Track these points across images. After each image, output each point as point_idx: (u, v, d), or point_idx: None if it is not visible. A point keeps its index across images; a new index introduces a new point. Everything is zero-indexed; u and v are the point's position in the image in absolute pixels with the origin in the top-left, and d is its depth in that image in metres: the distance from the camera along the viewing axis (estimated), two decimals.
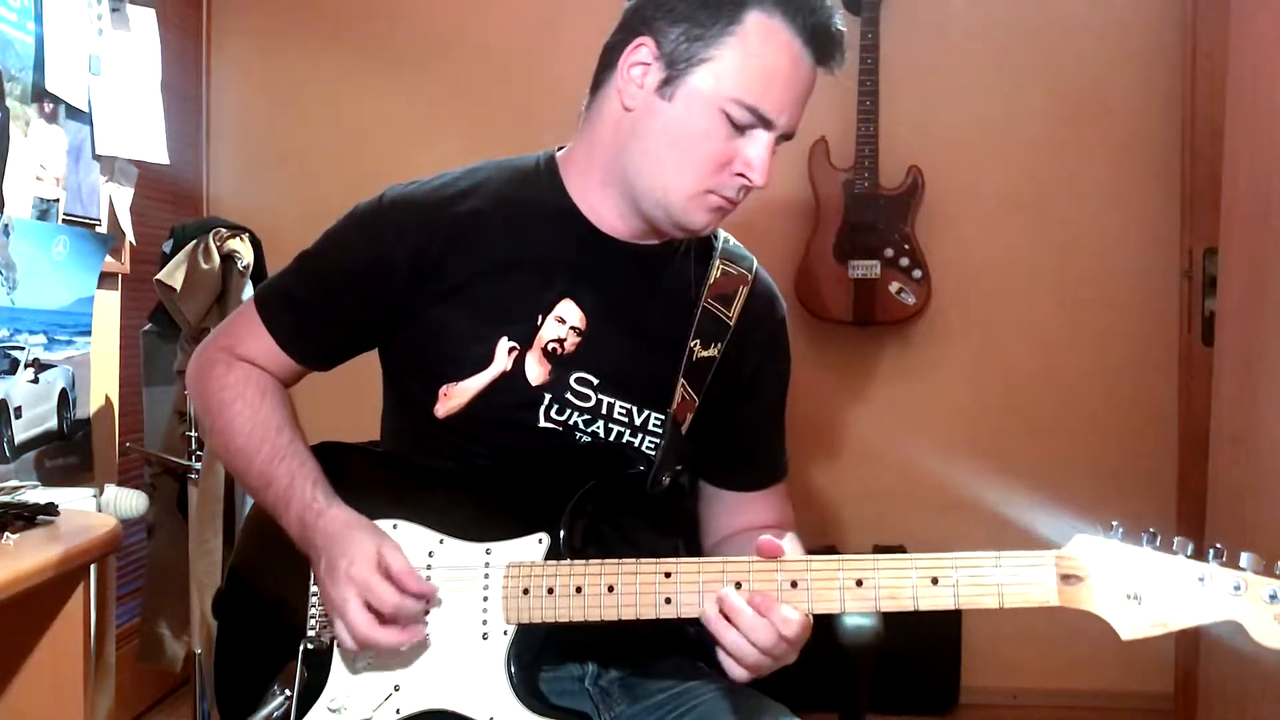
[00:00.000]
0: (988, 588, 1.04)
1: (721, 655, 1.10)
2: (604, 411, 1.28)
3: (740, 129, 1.19)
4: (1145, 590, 0.99)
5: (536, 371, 1.27)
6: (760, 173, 1.20)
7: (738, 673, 1.10)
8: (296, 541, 1.23)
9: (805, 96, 1.21)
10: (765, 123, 1.19)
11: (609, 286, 1.28)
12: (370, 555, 1.16)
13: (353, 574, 1.15)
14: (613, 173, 1.26)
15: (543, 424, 1.28)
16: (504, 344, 1.27)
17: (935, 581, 1.05)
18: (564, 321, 1.28)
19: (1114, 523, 1.02)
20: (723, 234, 1.38)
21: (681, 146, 1.20)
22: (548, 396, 1.27)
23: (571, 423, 1.28)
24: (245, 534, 1.44)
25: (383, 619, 1.15)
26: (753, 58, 1.17)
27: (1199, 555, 0.99)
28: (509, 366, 1.27)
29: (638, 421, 1.29)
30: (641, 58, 1.21)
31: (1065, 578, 1.01)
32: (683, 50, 1.19)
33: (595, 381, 1.28)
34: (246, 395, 1.30)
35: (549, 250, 1.28)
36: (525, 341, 1.27)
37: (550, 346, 1.27)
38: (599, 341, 1.28)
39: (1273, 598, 0.95)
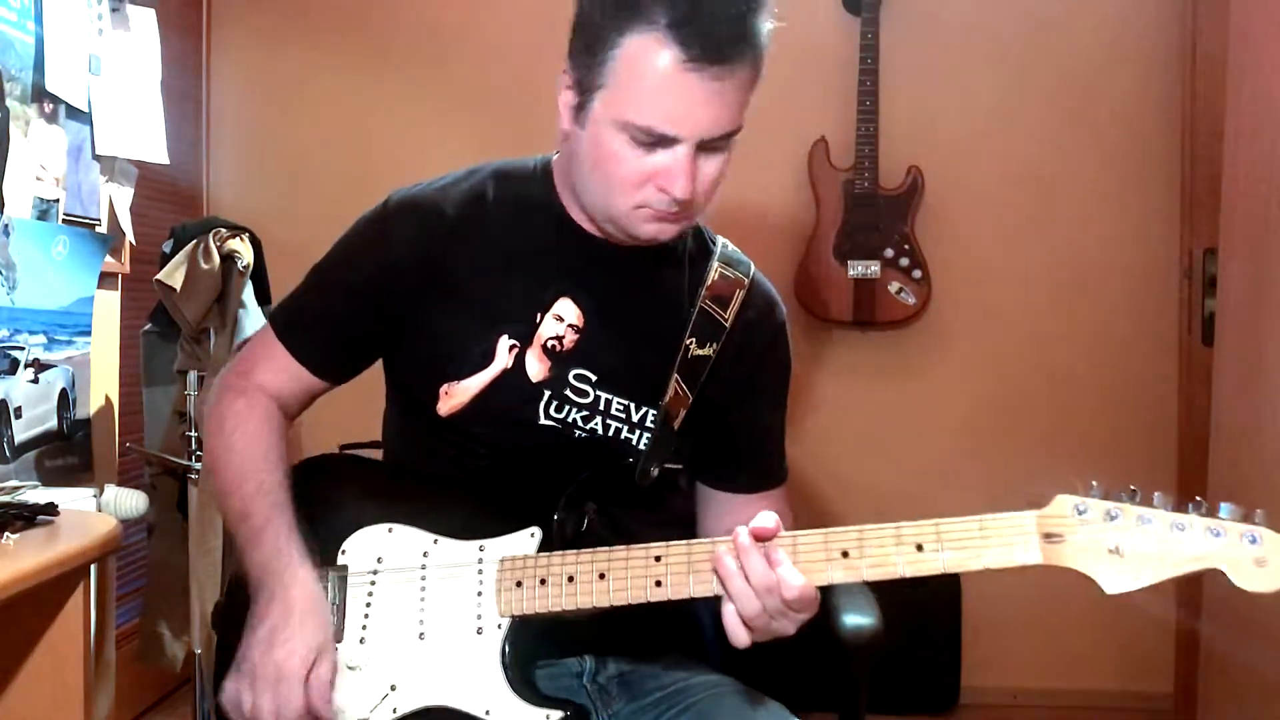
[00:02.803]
0: (971, 550, 1.04)
1: (725, 610, 1.10)
2: (602, 408, 1.30)
3: (650, 146, 1.17)
4: (1126, 543, 1.00)
5: (536, 368, 1.29)
6: (679, 186, 1.17)
7: (740, 635, 1.09)
8: (253, 579, 1.22)
9: (717, 99, 1.15)
10: (667, 139, 1.16)
11: (606, 285, 1.30)
12: (306, 658, 1.16)
13: (284, 667, 1.15)
14: (574, 189, 1.29)
15: (543, 421, 1.29)
16: (504, 342, 1.29)
17: (920, 548, 1.06)
18: (562, 319, 1.29)
19: (1094, 481, 1.03)
20: (720, 239, 1.39)
21: (602, 169, 1.20)
22: (548, 393, 1.29)
23: (570, 420, 1.30)
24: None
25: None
26: (636, 79, 1.14)
27: (1180, 509, 1.00)
28: (510, 364, 1.29)
29: (635, 418, 1.30)
30: (565, 84, 1.23)
31: (1047, 536, 1.02)
32: (585, 78, 1.19)
33: (593, 378, 1.30)
34: (247, 425, 1.31)
35: (546, 250, 1.30)
36: (525, 339, 1.29)
37: (549, 344, 1.29)
38: (597, 339, 1.30)
39: (1251, 541, 0.96)
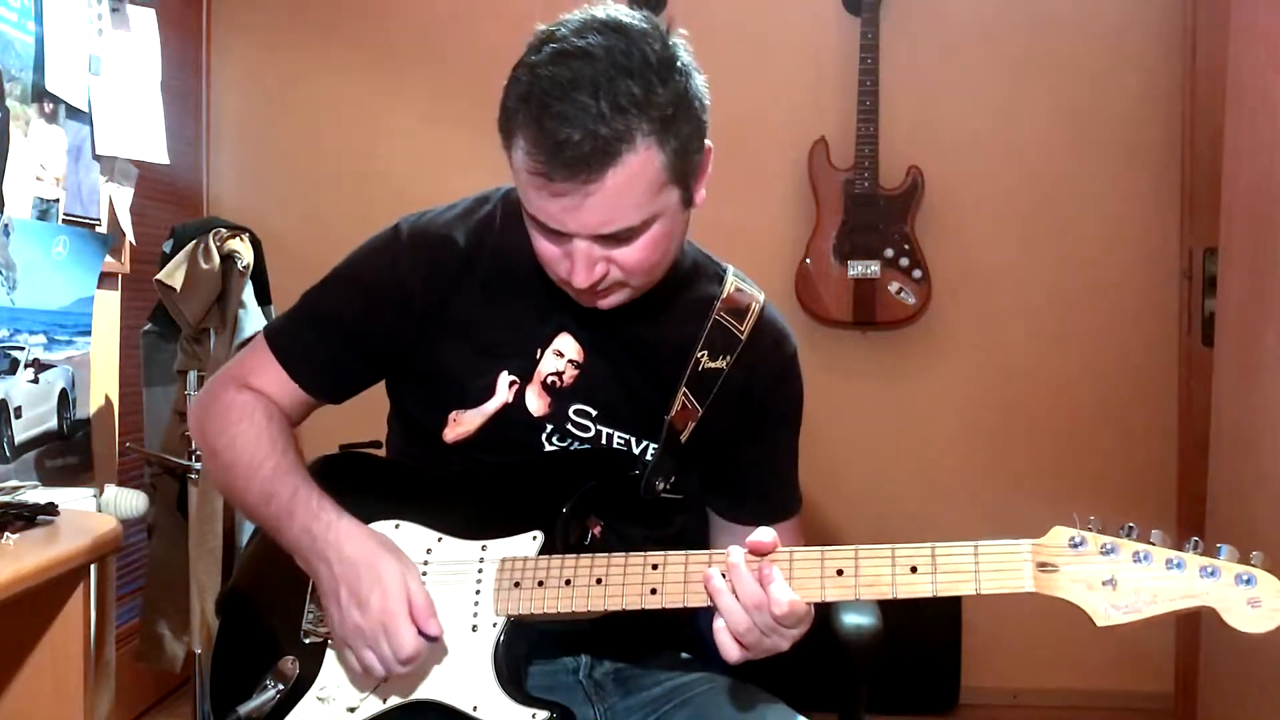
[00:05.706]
0: (965, 575, 1.05)
1: (716, 626, 1.10)
2: (603, 442, 1.30)
3: (551, 233, 1.14)
4: (1120, 578, 1.01)
5: (536, 404, 1.29)
6: (576, 277, 1.14)
7: (731, 650, 1.09)
8: (299, 554, 1.23)
9: (582, 206, 1.09)
10: (555, 231, 1.13)
11: (607, 319, 1.26)
12: (400, 596, 1.16)
13: (385, 613, 1.15)
14: None
15: (548, 449, 1.30)
16: (504, 378, 1.29)
17: (914, 570, 1.06)
18: (562, 355, 1.29)
19: (1091, 517, 1.04)
20: (731, 267, 1.37)
21: (534, 245, 1.18)
22: (549, 426, 1.29)
23: (574, 450, 1.30)
24: (252, 542, 1.45)
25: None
26: (520, 176, 1.12)
27: (1177, 547, 1.01)
28: (510, 399, 1.29)
29: (635, 451, 1.30)
30: None
31: (1042, 565, 1.03)
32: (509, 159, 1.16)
33: (594, 413, 1.29)
34: (253, 417, 1.28)
35: (547, 284, 1.26)
36: (524, 375, 1.29)
37: (549, 380, 1.29)
38: (597, 374, 1.29)
39: (1245, 582, 0.96)
